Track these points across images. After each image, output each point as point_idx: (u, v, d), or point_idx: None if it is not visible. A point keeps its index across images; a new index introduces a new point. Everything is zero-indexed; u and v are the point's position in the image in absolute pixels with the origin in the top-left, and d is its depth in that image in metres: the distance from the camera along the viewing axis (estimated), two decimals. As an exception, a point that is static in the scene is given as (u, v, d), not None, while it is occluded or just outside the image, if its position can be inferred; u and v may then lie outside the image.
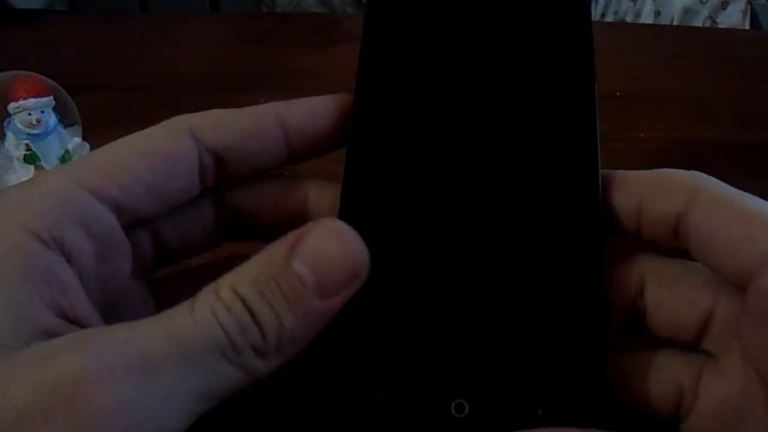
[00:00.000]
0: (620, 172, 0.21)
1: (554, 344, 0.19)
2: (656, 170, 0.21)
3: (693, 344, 0.21)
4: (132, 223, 0.20)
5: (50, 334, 0.16)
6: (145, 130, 0.20)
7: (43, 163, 0.39)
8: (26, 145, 0.38)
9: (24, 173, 0.39)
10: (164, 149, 0.20)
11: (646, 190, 0.20)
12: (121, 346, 0.15)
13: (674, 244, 0.20)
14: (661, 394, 0.20)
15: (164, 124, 0.21)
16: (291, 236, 0.17)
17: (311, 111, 0.21)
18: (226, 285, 0.17)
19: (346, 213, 0.20)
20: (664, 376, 0.20)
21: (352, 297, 0.17)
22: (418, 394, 0.18)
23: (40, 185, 0.19)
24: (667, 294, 0.20)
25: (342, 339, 0.19)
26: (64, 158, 0.39)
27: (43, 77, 0.38)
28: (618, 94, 0.52)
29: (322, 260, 0.17)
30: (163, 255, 0.22)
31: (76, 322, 0.17)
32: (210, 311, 0.16)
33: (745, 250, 0.18)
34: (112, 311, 0.20)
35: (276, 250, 0.17)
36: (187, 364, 0.16)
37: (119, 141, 0.20)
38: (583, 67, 0.22)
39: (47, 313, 0.17)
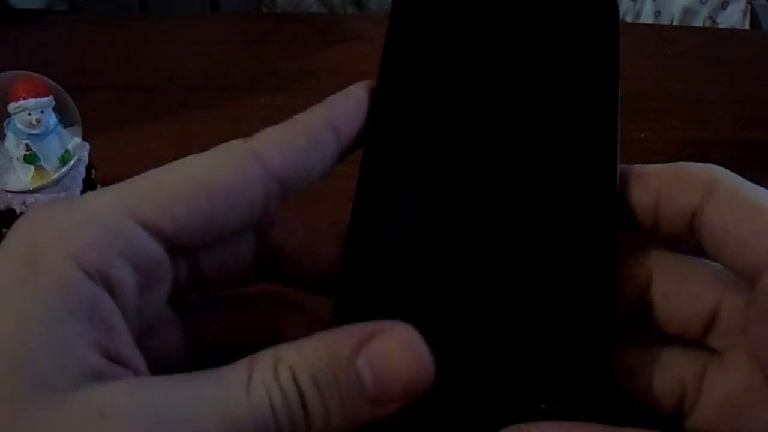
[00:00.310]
0: (637, 167, 0.21)
1: (562, 337, 0.19)
2: (673, 164, 0.21)
3: (698, 340, 0.21)
4: (178, 252, 0.19)
5: (96, 376, 0.16)
6: (206, 154, 0.19)
7: (43, 163, 0.39)
8: (26, 145, 0.38)
9: (24, 173, 0.39)
10: (229, 180, 0.19)
11: (663, 185, 0.20)
12: (175, 418, 0.15)
13: (691, 239, 0.21)
14: (665, 389, 0.20)
15: (227, 149, 0.19)
16: (361, 331, 0.17)
17: (353, 108, 0.21)
18: (285, 366, 0.16)
19: (359, 211, 0.20)
20: (668, 372, 0.20)
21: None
22: None
23: (90, 211, 0.18)
24: (674, 289, 0.21)
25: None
26: (64, 158, 0.39)
27: (43, 77, 0.38)
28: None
29: (387, 369, 0.17)
30: (198, 282, 0.21)
31: (118, 361, 0.17)
32: (266, 395, 0.16)
33: (755, 245, 0.18)
34: (145, 336, 0.19)
35: (343, 344, 0.17)
36: None
37: (179, 164, 0.19)
38: (607, 66, 0.22)
39: (93, 353, 0.16)
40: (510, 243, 0.20)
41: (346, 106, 0.21)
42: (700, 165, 0.20)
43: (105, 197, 0.18)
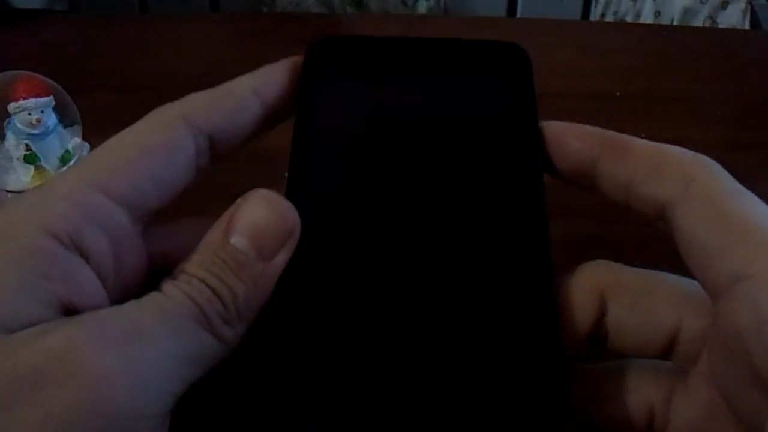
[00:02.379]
0: (624, 139, 0.21)
1: (514, 387, 0.18)
2: (657, 147, 0.20)
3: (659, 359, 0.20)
4: (142, 218, 0.20)
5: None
6: (136, 125, 0.21)
7: (43, 163, 0.39)
8: (26, 145, 0.38)
9: (24, 173, 0.39)
10: (163, 141, 0.20)
11: (641, 166, 0.20)
12: (114, 318, 0.17)
13: (662, 228, 0.20)
14: (635, 415, 0.20)
15: (153, 116, 0.21)
16: (225, 216, 0.19)
17: (277, 77, 0.22)
18: (179, 272, 0.19)
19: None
20: (636, 397, 0.20)
21: (307, 353, 0.18)
22: None
23: (55, 189, 0.19)
24: (629, 317, 0.20)
25: (299, 401, 0.18)
26: (64, 158, 0.39)
27: (43, 77, 0.38)
28: (618, 94, 0.52)
29: (255, 228, 0.19)
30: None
31: (65, 310, 0.17)
32: (177, 289, 0.18)
33: (718, 264, 0.17)
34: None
35: (214, 232, 0.19)
36: (171, 332, 0.17)
37: (115, 139, 0.20)
38: (525, 103, 0.22)
39: (61, 316, 0.17)
40: (444, 286, 0.19)
41: (270, 75, 0.22)
42: (685, 155, 0.20)
43: (65, 177, 0.19)
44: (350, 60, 0.23)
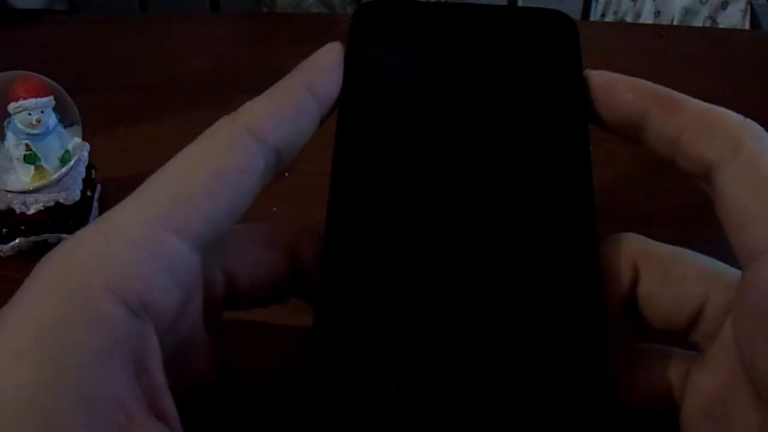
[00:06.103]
0: (675, 95, 0.20)
1: (556, 362, 0.18)
2: (708, 107, 0.20)
3: (682, 335, 0.20)
4: (206, 249, 0.18)
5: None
6: (200, 143, 0.19)
7: (43, 163, 0.39)
8: (26, 145, 0.38)
9: (24, 173, 0.39)
10: (233, 162, 0.18)
11: (691, 125, 0.20)
12: None
13: (705, 189, 0.20)
14: (653, 391, 0.20)
15: (218, 131, 0.19)
16: None
17: (328, 71, 0.21)
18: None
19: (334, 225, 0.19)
20: (654, 373, 0.20)
21: (350, 344, 0.18)
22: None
23: (122, 231, 0.16)
24: (658, 288, 0.20)
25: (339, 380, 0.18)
26: (64, 158, 0.39)
27: (43, 77, 0.38)
28: (618, 94, 0.52)
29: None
30: (233, 298, 0.21)
31: (155, 412, 0.16)
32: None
33: (758, 229, 0.18)
34: (175, 357, 0.18)
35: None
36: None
37: (180, 160, 0.18)
38: (572, 81, 0.22)
39: (137, 412, 0.15)
40: (491, 267, 0.19)
41: (322, 70, 0.21)
42: (736, 118, 0.19)
43: (130, 212, 0.17)
44: (397, 25, 0.22)
